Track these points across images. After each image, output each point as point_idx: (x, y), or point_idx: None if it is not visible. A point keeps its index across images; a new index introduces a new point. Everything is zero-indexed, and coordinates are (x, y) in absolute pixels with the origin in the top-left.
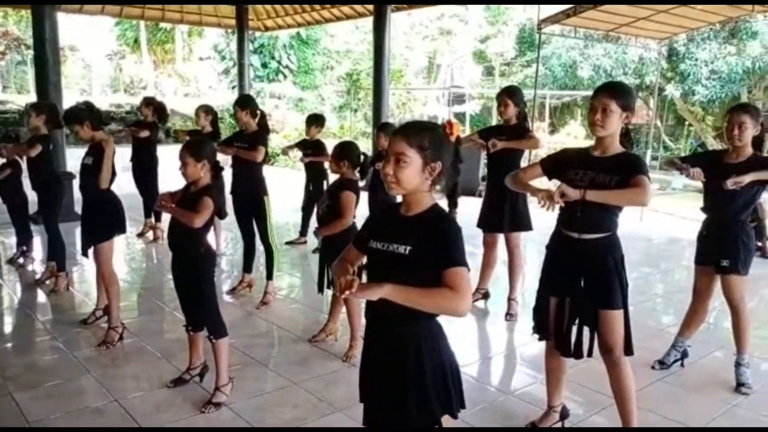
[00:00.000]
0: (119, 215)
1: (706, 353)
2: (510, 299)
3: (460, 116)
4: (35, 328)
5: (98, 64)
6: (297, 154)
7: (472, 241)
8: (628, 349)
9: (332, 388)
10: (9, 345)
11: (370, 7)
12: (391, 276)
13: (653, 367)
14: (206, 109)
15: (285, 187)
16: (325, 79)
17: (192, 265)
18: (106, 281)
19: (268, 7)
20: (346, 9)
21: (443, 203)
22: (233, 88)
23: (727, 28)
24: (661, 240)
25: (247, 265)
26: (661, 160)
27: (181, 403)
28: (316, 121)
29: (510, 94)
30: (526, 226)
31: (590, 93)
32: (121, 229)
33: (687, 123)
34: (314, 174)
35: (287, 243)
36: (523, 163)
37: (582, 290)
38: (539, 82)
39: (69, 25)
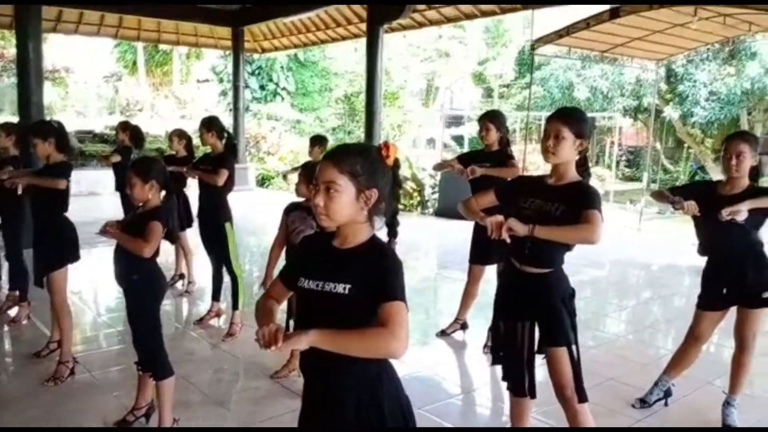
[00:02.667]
0: (72, 242)
1: (691, 390)
2: (491, 330)
3: (458, 138)
4: None
5: (96, 85)
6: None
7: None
8: (581, 394)
9: None
10: None
11: (365, 27)
12: (326, 319)
13: (633, 406)
14: (179, 134)
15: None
16: (323, 101)
17: (132, 294)
18: (58, 313)
19: (265, 28)
20: (341, 30)
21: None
22: (230, 110)
23: (727, 49)
24: (659, 266)
25: (216, 294)
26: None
27: None
28: (318, 141)
29: (491, 118)
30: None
31: (591, 115)
32: (74, 257)
33: (686, 145)
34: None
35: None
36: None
37: (530, 319)
38: (537, 104)
39: (69, 47)
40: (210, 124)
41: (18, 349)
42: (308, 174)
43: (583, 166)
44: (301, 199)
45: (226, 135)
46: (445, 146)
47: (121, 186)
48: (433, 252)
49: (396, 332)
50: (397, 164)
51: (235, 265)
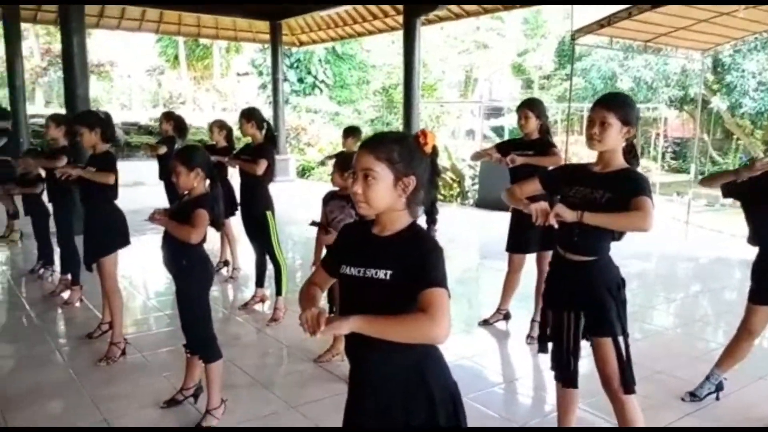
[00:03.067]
0: (122, 228)
1: (742, 385)
2: (534, 321)
3: (498, 129)
4: (41, 341)
5: (139, 79)
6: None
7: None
8: (627, 387)
9: (330, 414)
10: (11, 357)
11: (401, 20)
12: (369, 305)
13: (683, 399)
14: (220, 125)
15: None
16: (361, 93)
17: (182, 280)
18: (108, 296)
19: (302, 22)
20: (378, 23)
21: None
22: (270, 103)
23: None
24: (709, 259)
25: (259, 280)
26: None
27: (170, 426)
28: (352, 133)
29: (531, 106)
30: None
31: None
32: (124, 243)
33: (735, 137)
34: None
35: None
36: None
37: (576, 308)
38: (578, 95)
39: (112, 42)
40: (250, 115)
41: (71, 331)
42: (342, 163)
43: (630, 152)
44: (336, 189)
45: (265, 125)
46: (485, 137)
47: (165, 175)
48: (474, 242)
49: (437, 318)
50: (435, 152)
51: (278, 253)
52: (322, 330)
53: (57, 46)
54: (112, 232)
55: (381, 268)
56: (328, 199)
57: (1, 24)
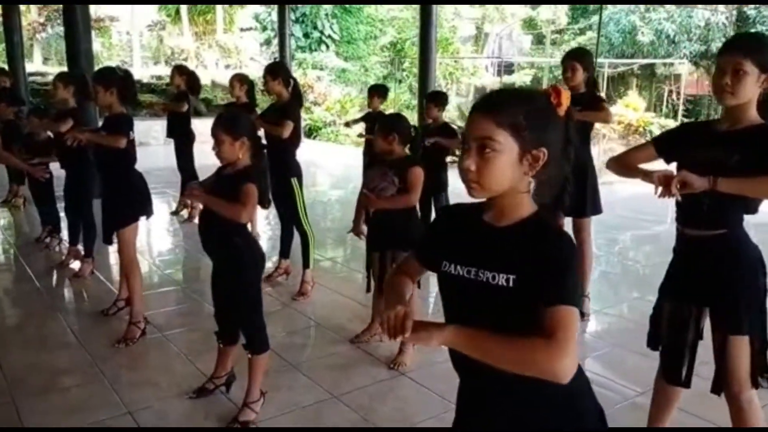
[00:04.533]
0: (143, 197)
1: None
2: (581, 296)
3: (509, 87)
4: (52, 318)
5: (139, 35)
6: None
7: None
8: (753, 380)
9: (379, 404)
10: (20, 336)
11: None
12: (485, 315)
13: None
14: (240, 78)
15: (335, 164)
16: (369, 49)
17: (230, 264)
18: (126, 270)
19: None
20: None
21: None
22: (275, 59)
23: None
24: None
25: (284, 250)
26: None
27: (203, 420)
28: (378, 91)
29: (578, 57)
30: (596, 208)
31: (653, 61)
32: (146, 212)
33: None
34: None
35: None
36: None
37: (702, 297)
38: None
39: None
40: (276, 71)
41: (83, 307)
42: (386, 125)
43: (765, 104)
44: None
45: (292, 82)
46: None
47: (177, 133)
48: None
49: (563, 346)
50: (569, 116)
51: (305, 222)
52: (407, 336)
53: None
54: (131, 200)
55: (501, 272)
56: (367, 166)
57: None
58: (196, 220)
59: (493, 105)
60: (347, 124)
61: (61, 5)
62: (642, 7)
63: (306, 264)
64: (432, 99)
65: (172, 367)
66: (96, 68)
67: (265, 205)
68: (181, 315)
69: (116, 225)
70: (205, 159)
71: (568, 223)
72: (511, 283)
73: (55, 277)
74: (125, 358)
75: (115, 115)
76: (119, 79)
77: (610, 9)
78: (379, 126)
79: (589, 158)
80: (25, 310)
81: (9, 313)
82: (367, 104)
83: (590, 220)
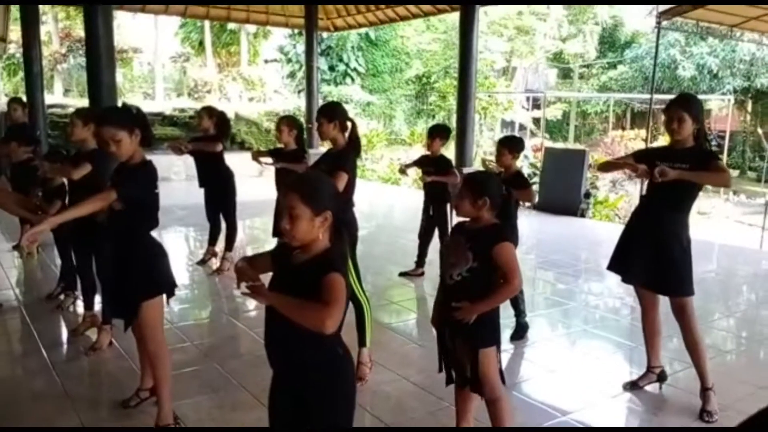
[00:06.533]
0: (166, 268)
1: None
2: (705, 389)
3: (536, 121)
4: (63, 412)
5: (162, 67)
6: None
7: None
8: None
9: None
10: None
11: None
12: None
13: None
14: (289, 123)
15: (390, 206)
16: (394, 81)
17: (317, 393)
18: (152, 357)
19: (339, 5)
20: (425, 6)
21: None
22: (299, 92)
23: None
24: None
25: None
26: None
27: None
28: (440, 132)
29: (686, 105)
30: (687, 289)
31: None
32: (168, 286)
33: None
34: (436, 196)
35: (401, 274)
36: (700, 200)
37: None
38: (626, 85)
39: (133, 27)
40: (333, 113)
41: (101, 395)
42: (476, 188)
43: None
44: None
45: (349, 125)
46: (522, 129)
47: (206, 182)
48: (545, 254)
49: None
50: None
51: (359, 291)
52: None
53: (77, 31)
54: (152, 271)
55: None
56: (451, 233)
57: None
58: (227, 272)
59: None
60: (402, 171)
61: (83, 36)
62: (682, 40)
63: (362, 341)
64: (506, 144)
65: None
66: (124, 103)
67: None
68: (217, 405)
69: (136, 298)
70: None
71: (665, 303)
72: None
73: (67, 349)
74: None
75: (138, 165)
76: (138, 119)
77: (647, 43)
78: (467, 186)
79: (685, 226)
80: (31, 399)
81: (11, 398)
82: (427, 146)
83: (689, 300)
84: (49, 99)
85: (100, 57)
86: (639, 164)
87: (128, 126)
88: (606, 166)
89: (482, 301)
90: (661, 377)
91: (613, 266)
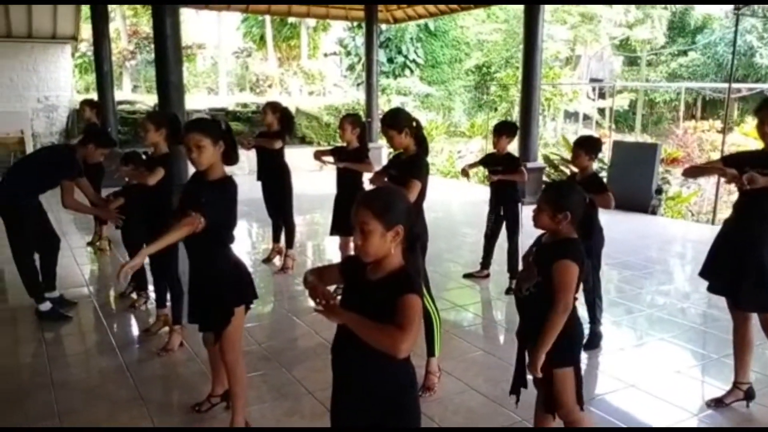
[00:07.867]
0: (245, 278)
1: None
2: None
3: (601, 111)
4: (138, 412)
5: (225, 62)
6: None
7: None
8: None
9: None
10: None
11: None
12: None
13: None
14: (353, 121)
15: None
16: (453, 72)
17: (379, 407)
18: (228, 369)
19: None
20: None
21: None
22: (359, 85)
23: None
24: None
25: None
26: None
27: None
28: (507, 130)
29: None
30: None
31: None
32: (247, 295)
33: None
34: (506, 197)
35: (466, 275)
36: None
37: None
38: (698, 72)
39: (196, 23)
40: (397, 122)
41: (171, 398)
42: (558, 200)
43: None
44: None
45: (415, 124)
46: (586, 119)
47: (263, 176)
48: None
49: None
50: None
51: (428, 301)
52: None
53: (144, 28)
54: (229, 284)
55: None
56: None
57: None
58: (291, 271)
59: None
60: (465, 173)
61: (150, 33)
62: (759, 26)
63: (431, 351)
64: (582, 145)
65: None
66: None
67: None
68: (286, 413)
69: (216, 313)
70: None
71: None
72: None
73: (138, 349)
74: None
75: (219, 180)
76: (224, 132)
77: (719, 29)
78: (547, 198)
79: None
80: (108, 398)
81: (89, 398)
82: (493, 144)
83: None
84: (118, 95)
85: (168, 56)
86: (730, 170)
87: (214, 135)
88: (692, 171)
89: (539, 345)
90: (749, 395)
91: (703, 273)
